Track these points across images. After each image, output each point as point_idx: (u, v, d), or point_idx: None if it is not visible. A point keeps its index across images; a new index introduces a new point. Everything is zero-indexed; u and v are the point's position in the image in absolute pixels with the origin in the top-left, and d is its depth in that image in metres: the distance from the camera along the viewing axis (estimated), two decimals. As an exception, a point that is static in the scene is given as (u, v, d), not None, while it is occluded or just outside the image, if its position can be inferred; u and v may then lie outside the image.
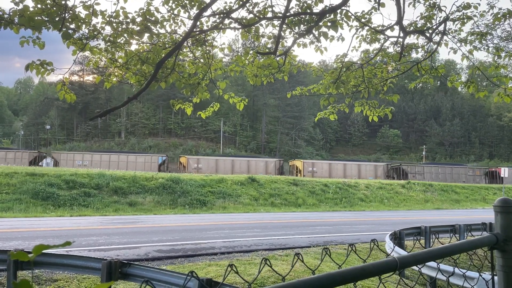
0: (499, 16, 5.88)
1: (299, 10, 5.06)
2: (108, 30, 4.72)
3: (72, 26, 4.31)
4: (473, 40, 6.08)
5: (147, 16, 4.73)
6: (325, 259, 10.48)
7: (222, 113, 79.36)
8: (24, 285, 0.74)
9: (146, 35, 4.75)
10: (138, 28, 4.64)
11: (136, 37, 4.72)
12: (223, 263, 10.17)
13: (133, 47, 5.11)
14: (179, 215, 21.88)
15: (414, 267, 8.64)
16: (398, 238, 12.01)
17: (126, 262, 6.45)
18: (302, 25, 5.25)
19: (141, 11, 4.75)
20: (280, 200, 28.83)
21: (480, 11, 5.91)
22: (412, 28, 5.84)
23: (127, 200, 24.36)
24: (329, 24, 5.01)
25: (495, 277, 1.91)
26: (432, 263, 7.18)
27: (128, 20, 4.68)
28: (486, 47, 6.15)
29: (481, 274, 2.41)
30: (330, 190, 32.56)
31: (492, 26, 6.10)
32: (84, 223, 16.81)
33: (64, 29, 4.03)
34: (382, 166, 53.24)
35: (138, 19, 4.70)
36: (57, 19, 3.94)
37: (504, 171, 39.41)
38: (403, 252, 8.50)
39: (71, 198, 23.06)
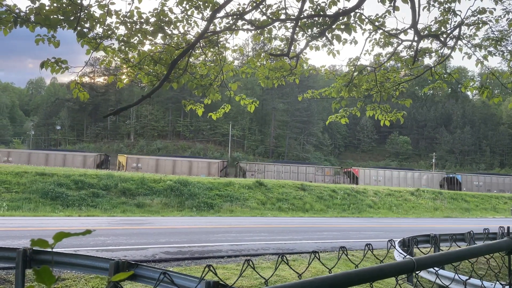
0: (515, 21, 5.81)
1: (313, 13, 5.05)
2: (122, 30, 4.76)
3: (87, 25, 4.35)
4: (487, 46, 6.01)
5: (161, 17, 4.75)
6: (330, 264, 10.38)
7: (231, 116, 79.49)
8: (45, 271, 0.73)
9: (160, 35, 4.78)
10: (152, 28, 4.66)
11: (150, 37, 4.74)
12: (230, 266, 10.13)
13: (146, 47, 5.15)
14: (187, 217, 21.90)
15: (425, 276, 8.51)
16: (407, 246, 11.89)
17: (133, 262, 6.46)
18: (315, 28, 5.24)
19: (155, 11, 4.78)
20: (287, 205, 28.74)
21: (495, 16, 5.86)
22: (426, 32, 5.79)
23: (135, 201, 24.45)
24: (342, 27, 4.99)
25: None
26: (446, 272, 7.05)
27: (142, 20, 4.71)
28: (501, 53, 6.08)
29: (497, 282, 2.36)
30: (338, 196, 32.38)
31: (507, 32, 6.03)
32: (92, 223, 16.90)
33: (79, 28, 4.07)
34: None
35: (152, 20, 4.73)
36: (72, 18, 3.98)
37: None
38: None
39: (79, 198, 23.22)
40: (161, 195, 25.84)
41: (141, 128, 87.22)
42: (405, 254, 9.86)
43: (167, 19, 4.81)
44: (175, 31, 5.01)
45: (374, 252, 8.88)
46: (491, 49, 5.99)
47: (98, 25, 4.50)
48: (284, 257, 1.34)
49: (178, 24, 5.03)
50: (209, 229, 16.80)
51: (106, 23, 4.60)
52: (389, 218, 28.15)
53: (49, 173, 25.65)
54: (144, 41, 4.85)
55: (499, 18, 5.98)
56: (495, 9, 5.55)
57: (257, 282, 9.11)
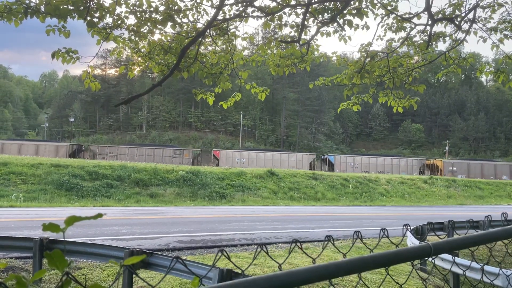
0: (533, 2, 5.64)
1: (326, -3, 4.97)
2: (131, 19, 4.74)
3: (97, 15, 4.35)
4: (503, 29, 5.85)
5: (170, 5, 4.73)
6: (344, 251, 10.38)
7: (241, 106, 79.44)
8: (57, 254, 0.72)
9: (169, 24, 4.75)
10: (161, 17, 4.64)
11: (159, 26, 4.72)
12: (242, 255, 10.19)
13: (156, 36, 5.14)
14: (199, 207, 22.06)
15: (439, 264, 8.44)
16: (420, 233, 11.81)
17: (147, 251, 6.54)
18: (326, 13, 5.16)
19: (164, 0, 4.76)
20: (299, 194, 28.75)
21: (511, -2, 5.70)
22: (440, 15, 5.65)
23: (148, 191, 24.71)
24: (354, 11, 4.91)
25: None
26: (461, 260, 6.98)
27: (152, 9, 4.68)
28: (518, 36, 5.92)
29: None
30: (350, 185, 32.27)
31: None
32: (107, 213, 17.12)
33: (88, 18, 4.07)
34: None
35: (161, 8, 4.71)
36: (82, 8, 3.98)
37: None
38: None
39: (94, 189, 23.54)
40: (174, 185, 26.06)
41: (152, 120, 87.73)
42: (418, 242, 9.80)
43: (176, 7, 4.78)
44: (185, 20, 4.99)
45: (386, 240, 8.84)
46: (507, 32, 5.83)
47: (108, 14, 4.50)
48: (299, 243, 1.32)
49: (187, 12, 5.00)
50: (222, 218, 16.91)
51: (116, 12, 4.60)
52: (402, 206, 27.99)
53: (64, 164, 26.02)
54: (154, 30, 4.84)
55: (517, -1, 5.82)
56: (512, -10, 5.40)
57: (269, 270, 9.16)
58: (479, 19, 5.72)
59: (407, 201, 31.20)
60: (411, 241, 10.29)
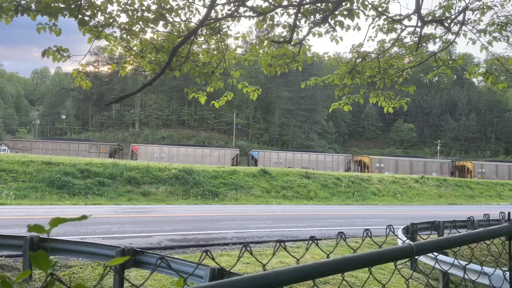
0: (521, 5, 5.70)
1: (315, -2, 5.00)
2: (123, 18, 4.73)
3: (88, 13, 4.33)
4: (492, 31, 5.93)
5: (162, 4, 4.72)
6: (335, 251, 10.42)
7: (235, 105, 79.39)
8: (41, 255, 0.74)
9: (161, 23, 4.75)
10: (153, 16, 4.63)
11: (151, 25, 4.72)
12: (234, 253, 10.22)
13: (148, 35, 5.12)
14: (192, 205, 22.05)
15: (427, 262, 8.54)
16: (410, 232, 11.92)
17: (139, 250, 6.53)
18: (317, 14, 5.18)
19: (156, -2, 4.76)
20: (292, 193, 28.83)
21: (500, 1, 5.77)
22: (430, 17, 5.71)
23: (140, 190, 24.63)
24: (345, 13, 4.93)
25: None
26: (445, 258, 7.09)
27: (144, 8, 4.68)
28: (506, 38, 5.99)
29: (498, 268, 2.37)
30: (343, 184, 32.41)
31: (510, 19, 5.93)
32: (98, 211, 17.05)
33: (80, 16, 4.05)
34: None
35: (153, 7, 4.70)
36: (73, 6, 3.97)
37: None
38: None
39: (85, 187, 23.41)
40: (166, 184, 26.00)
41: (145, 117, 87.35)
42: (407, 240, 9.89)
43: (168, 6, 4.77)
44: (177, 19, 4.99)
45: (377, 239, 8.95)
46: (496, 34, 5.90)
47: (100, 13, 4.48)
48: (283, 243, 1.34)
49: (179, 11, 4.99)
50: (214, 217, 16.91)
51: (108, 11, 4.59)
52: (394, 205, 28.18)
53: (55, 162, 25.83)
54: (146, 29, 4.83)
55: (505, 3, 5.89)
56: (501, -7, 5.47)
57: (261, 268, 9.20)
58: (469, 21, 5.80)
59: (398, 200, 31.42)
60: (402, 240, 10.38)
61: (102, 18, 4.62)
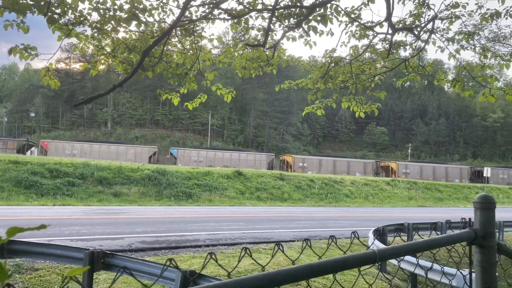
0: (486, 16, 5.95)
1: (289, 3, 5.03)
2: (95, 16, 4.63)
3: (58, 11, 4.22)
4: (460, 40, 6.14)
5: (135, 4, 4.65)
6: (308, 253, 10.53)
7: (210, 105, 79.04)
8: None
9: (134, 23, 4.68)
10: (126, 15, 4.56)
11: (124, 25, 4.64)
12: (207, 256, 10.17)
13: (121, 34, 5.04)
14: (165, 207, 21.80)
15: (395, 262, 8.76)
16: (381, 234, 12.17)
17: (109, 252, 6.40)
18: (292, 18, 5.23)
19: (129, -2, 4.68)
20: (266, 194, 28.92)
21: (468, 11, 5.99)
22: (401, 25, 5.86)
23: (111, 190, 24.16)
24: (318, 18, 4.99)
25: (473, 273, 1.94)
26: (412, 259, 7.29)
27: (116, 7, 4.59)
28: (473, 47, 6.23)
29: (459, 270, 2.45)
30: (316, 186, 32.76)
31: (480, 26, 6.16)
32: (67, 212, 16.64)
33: (49, 14, 3.94)
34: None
35: (126, 6, 4.63)
36: (42, 3, 3.86)
37: (486, 171, 40.16)
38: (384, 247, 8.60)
39: (54, 187, 22.78)
40: (139, 184, 25.61)
41: (118, 116, 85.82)
42: (373, 244, 10.11)
43: (141, 6, 4.71)
44: (150, 19, 4.93)
45: (349, 241, 9.11)
46: (464, 43, 6.12)
47: (70, 11, 4.37)
48: (248, 249, 1.35)
49: (153, 11, 4.94)
50: (187, 218, 16.78)
51: (78, 9, 4.47)
52: (366, 207, 28.70)
53: (23, 161, 25.05)
54: (118, 28, 4.74)
55: (472, 13, 6.12)
56: (468, 4, 5.67)
57: (234, 271, 9.19)
58: (438, 29, 5.98)
59: (370, 202, 32.00)
60: (374, 243, 10.58)
61: (72, 16, 4.51)
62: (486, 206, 1.85)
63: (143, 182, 25.89)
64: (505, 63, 6.07)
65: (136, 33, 5.00)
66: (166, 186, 25.98)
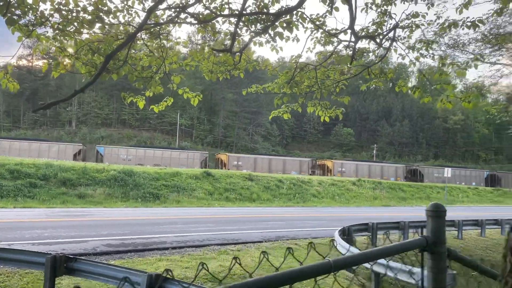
0: (445, 26, 6.22)
1: (256, 9, 5.08)
2: (57, 17, 4.49)
3: (18, 12, 4.07)
4: (420, 48, 6.39)
5: (99, 6, 4.55)
6: (276, 253, 10.62)
7: (179, 105, 78.15)
8: None
9: (98, 25, 4.58)
10: (90, 17, 4.46)
11: (87, 27, 4.54)
12: (174, 258, 10.10)
13: (84, 36, 4.92)
14: (131, 208, 21.43)
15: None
16: (346, 234, 12.45)
17: (72, 256, 6.25)
18: (259, 24, 5.28)
19: (93, 0, 4.57)
20: (235, 195, 28.93)
21: (427, 20, 6.23)
22: (364, 33, 6.03)
23: (76, 192, 23.50)
24: (284, 25, 5.07)
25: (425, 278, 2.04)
26: (380, 260, 7.50)
27: (79, 8, 4.48)
28: (432, 55, 6.50)
29: (411, 277, 2.56)
30: (285, 186, 33.06)
31: (440, 33, 6.44)
32: (29, 215, 16.07)
33: (8, 15, 3.80)
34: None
35: (90, 8, 4.52)
36: (1, 3, 3.72)
37: (447, 171, 41.71)
38: (354, 250, 8.81)
39: (15, 188, 21.93)
40: (104, 185, 25.03)
41: (83, 116, 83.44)
42: (345, 243, 10.35)
43: (106, 8, 4.62)
44: (115, 21, 4.82)
45: (316, 240, 9.25)
46: (423, 51, 6.38)
47: (31, 11, 4.23)
48: (205, 265, 1.38)
49: (118, 14, 4.85)
50: (154, 220, 16.57)
51: (39, 9, 4.34)
52: (332, 207, 29.21)
53: (-20, 162, 23.98)
54: (81, 30, 4.63)
55: (431, 22, 6.38)
56: (427, 14, 5.91)
57: (201, 273, 9.16)
58: (399, 38, 6.20)
59: (337, 202, 32.59)
60: (338, 242, 10.80)
61: (33, 17, 4.37)
62: (437, 214, 1.95)
63: (109, 183, 25.33)
64: (461, 71, 6.36)
65: (100, 35, 4.89)
66: (133, 187, 25.51)
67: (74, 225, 13.83)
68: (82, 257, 6.59)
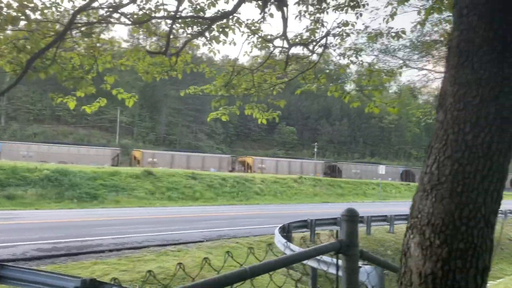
0: (371, 35, 6.64)
1: (192, 12, 5.08)
2: (-24, 13, 4.20)
3: None
4: (350, 55, 6.76)
5: (24, 2, 4.31)
6: (216, 252, 10.66)
7: (119, 102, 75.42)
8: None
9: (23, 22, 4.35)
10: (14, 13, 4.21)
11: (11, 24, 4.28)
12: (111, 261, 9.84)
13: (9, 33, 4.61)
14: (66, 210, 20.47)
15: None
16: (286, 231, 12.79)
17: (-3, 263, 5.90)
18: (195, 26, 5.29)
19: (18, -5, 4.32)
20: (177, 194, 28.57)
21: (357, 29, 6.61)
22: (298, 39, 6.26)
23: (4, 192, 21.99)
24: (220, 29, 5.12)
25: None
26: (292, 246, 7.69)
27: (2, 5, 4.22)
28: (361, 62, 6.91)
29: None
30: (228, 184, 33.16)
31: (369, 42, 6.86)
32: None
33: None
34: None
35: (15, 4, 4.27)
36: None
37: (381, 168, 43.99)
38: (293, 247, 9.08)
39: None
40: (37, 186, 23.63)
41: (13, 111, 78.00)
42: (284, 240, 10.65)
43: (32, 5, 4.38)
44: (42, 18, 4.58)
45: (257, 238, 9.47)
46: (353, 58, 6.75)
47: None
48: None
49: (45, 11, 4.62)
50: (91, 222, 15.96)
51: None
52: (275, 204, 29.76)
53: None
54: (6, 26, 4.36)
55: (360, 31, 6.77)
56: (356, 23, 6.27)
57: (139, 275, 9.00)
58: (331, 45, 6.51)
59: (279, 199, 33.25)
60: (278, 240, 11.08)
61: None
62: (351, 218, 2.11)
63: (42, 183, 23.96)
64: (387, 78, 6.80)
65: (26, 33, 4.64)
66: (68, 187, 24.33)
67: (1, 229, 13.00)
68: (10, 264, 6.24)
